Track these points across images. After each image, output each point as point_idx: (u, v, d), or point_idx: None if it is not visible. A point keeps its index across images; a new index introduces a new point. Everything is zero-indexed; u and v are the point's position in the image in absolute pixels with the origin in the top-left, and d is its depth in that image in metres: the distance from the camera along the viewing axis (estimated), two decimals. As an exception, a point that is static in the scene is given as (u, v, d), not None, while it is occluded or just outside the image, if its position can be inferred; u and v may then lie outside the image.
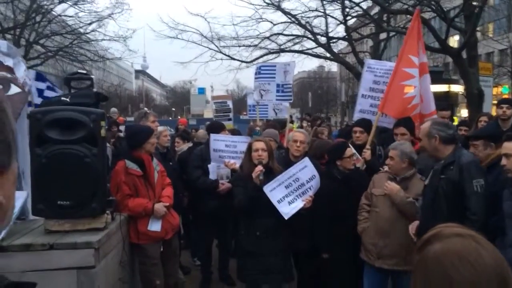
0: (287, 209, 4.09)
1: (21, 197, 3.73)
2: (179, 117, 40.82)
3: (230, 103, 12.48)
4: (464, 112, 20.93)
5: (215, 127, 6.01)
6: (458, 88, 17.07)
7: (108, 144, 5.35)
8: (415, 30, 5.56)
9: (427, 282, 1.03)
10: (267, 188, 4.05)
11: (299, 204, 4.14)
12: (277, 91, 7.64)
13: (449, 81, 17.81)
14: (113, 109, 13.23)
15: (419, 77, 5.36)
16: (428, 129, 3.71)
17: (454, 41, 27.20)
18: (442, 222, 1.14)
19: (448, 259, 1.01)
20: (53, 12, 19.33)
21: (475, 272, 0.98)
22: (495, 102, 8.49)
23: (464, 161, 3.54)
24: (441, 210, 3.54)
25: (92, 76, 4.44)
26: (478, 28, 14.58)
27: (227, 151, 5.44)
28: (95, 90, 4.17)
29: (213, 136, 5.52)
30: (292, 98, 8.03)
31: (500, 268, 1.00)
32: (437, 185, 3.60)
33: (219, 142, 5.47)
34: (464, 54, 12.67)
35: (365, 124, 5.39)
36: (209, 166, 5.53)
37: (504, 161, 3.23)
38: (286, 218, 4.08)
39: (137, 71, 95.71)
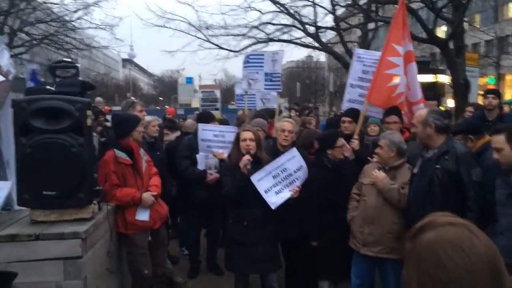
0: (274, 199, 4.09)
1: (6, 187, 3.68)
2: (166, 106, 40.59)
3: (217, 93, 12.47)
4: (450, 102, 21.12)
5: (205, 116, 5.97)
6: (444, 78, 17.23)
7: (94, 134, 5.29)
8: (399, 19, 5.49)
9: (420, 270, 1.03)
10: (254, 178, 4.04)
11: (286, 194, 4.14)
12: (266, 80, 7.57)
13: (435, 71, 17.97)
14: (98, 99, 13.02)
15: (403, 66, 5.35)
16: (425, 116, 3.71)
17: (441, 31, 27.35)
18: (436, 211, 1.14)
19: (441, 248, 1.01)
20: (38, -1, 18.94)
21: (469, 260, 0.98)
22: (481, 92, 8.56)
23: (460, 151, 3.59)
24: (436, 199, 3.57)
25: (78, 65, 4.35)
26: (465, 19, 14.65)
27: (215, 141, 5.41)
28: (80, 79, 4.09)
29: (201, 126, 5.48)
30: (281, 87, 7.98)
31: (493, 256, 1.01)
32: (431, 174, 3.63)
33: (207, 132, 5.43)
34: (451, 45, 12.73)
35: (354, 114, 5.38)
36: (197, 156, 5.50)
37: (495, 155, 3.27)
38: (273, 207, 4.08)
39: (124, 60, 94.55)
